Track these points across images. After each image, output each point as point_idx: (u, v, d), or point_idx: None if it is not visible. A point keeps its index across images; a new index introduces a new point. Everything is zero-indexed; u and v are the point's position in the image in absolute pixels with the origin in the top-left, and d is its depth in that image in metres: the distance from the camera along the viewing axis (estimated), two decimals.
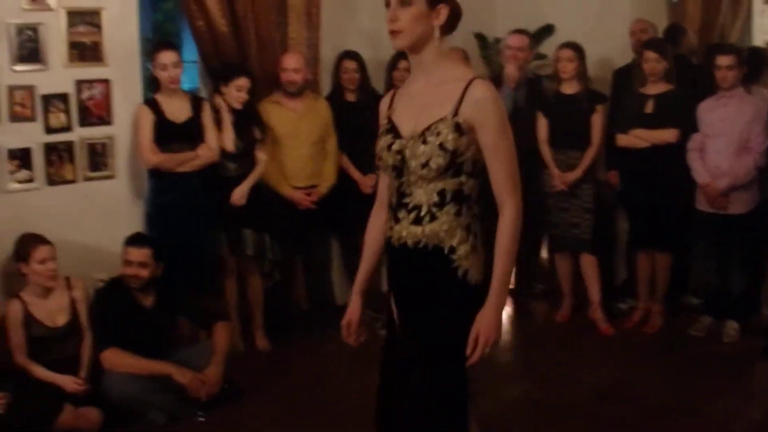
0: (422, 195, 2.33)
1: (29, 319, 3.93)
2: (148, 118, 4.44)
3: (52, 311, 4.01)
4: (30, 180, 4.32)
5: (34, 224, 4.11)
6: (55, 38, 4.33)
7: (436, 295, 2.35)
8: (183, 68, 4.60)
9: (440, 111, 2.30)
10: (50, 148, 4.37)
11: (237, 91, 4.61)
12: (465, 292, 2.34)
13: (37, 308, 3.97)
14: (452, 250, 2.32)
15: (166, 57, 4.44)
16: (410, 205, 2.35)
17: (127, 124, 4.60)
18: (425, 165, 2.29)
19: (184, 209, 4.51)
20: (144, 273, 4.08)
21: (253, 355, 4.78)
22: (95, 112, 4.52)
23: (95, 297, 4.19)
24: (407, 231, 2.35)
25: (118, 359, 3.95)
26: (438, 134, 2.28)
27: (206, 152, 4.53)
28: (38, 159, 4.34)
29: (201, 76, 5.22)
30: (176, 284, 4.25)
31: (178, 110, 4.51)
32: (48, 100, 4.34)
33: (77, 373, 3.94)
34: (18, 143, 4.26)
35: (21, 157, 4.28)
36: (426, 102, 2.33)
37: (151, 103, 4.51)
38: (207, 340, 4.27)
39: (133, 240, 4.18)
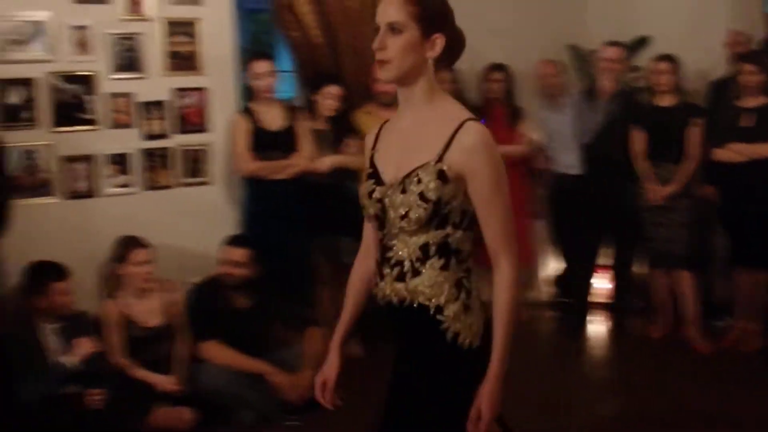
0: (404, 249, 2.05)
1: (126, 320, 4.01)
2: (244, 126, 4.52)
3: (148, 312, 4.10)
4: (128, 185, 4.45)
5: (130, 228, 4.21)
6: (153, 48, 4.47)
7: (426, 360, 2.08)
8: (278, 77, 4.68)
9: (424, 155, 2.00)
10: (147, 154, 4.51)
11: (327, 99, 4.65)
12: (456, 357, 2.03)
13: (133, 309, 4.06)
14: (439, 309, 2.02)
15: (261, 66, 4.52)
16: (393, 260, 2.06)
17: (222, 132, 4.70)
18: (404, 216, 2.00)
19: (278, 216, 4.55)
20: (241, 273, 4.14)
21: (346, 361, 4.73)
22: (192, 120, 4.64)
23: (192, 293, 4.27)
24: (391, 288, 2.07)
25: (216, 351, 4.04)
26: (419, 182, 1.98)
27: (301, 160, 4.57)
28: (136, 164, 4.47)
29: (296, 86, 5.29)
30: (271, 289, 4.28)
31: (273, 119, 4.58)
32: (146, 107, 4.47)
33: (171, 373, 4.00)
34: (117, 149, 4.40)
35: (119, 163, 4.41)
36: (411, 144, 2.04)
37: (247, 112, 4.59)
38: (299, 345, 4.28)
39: (234, 240, 4.26)
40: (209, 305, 4.15)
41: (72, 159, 4.27)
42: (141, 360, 3.97)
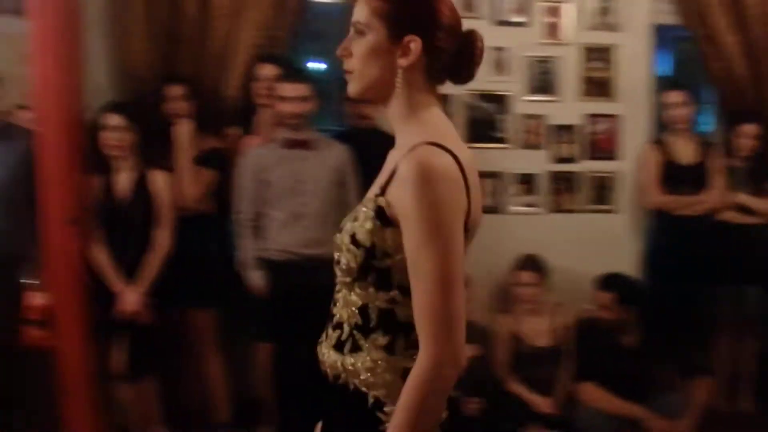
0: (344, 309, 1.61)
1: (515, 336, 4.16)
2: (653, 157, 4.38)
3: (537, 332, 4.19)
4: (533, 205, 4.59)
5: (531, 247, 4.35)
6: (568, 72, 4.55)
7: None
8: (694, 109, 4.44)
9: (373, 188, 1.58)
10: (555, 177, 4.60)
11: (742, 138, 4.30)
12: None
13: (523, 327, 4.19)
14: (378, 404, 1.55)
15: (676, 97, 4.36)
16: (334, 320, 1.64)
17: (632, 161, 4.61)
18: (338, 263, 1.60)
19: (681, 255, 4.33)
20: (609, 315, 4.03)
21: (738, 416, 4.41)
22: (602, 146, 4.63)
23: (578, 327, 4.26)
24: (328, 355, 1.63)
25: (594, 394, 3.97)
26: (355, 219, 1.55)
27: (711, 198, 4.30)
28: (542, 186, 4.59)
29: (715, 120, 4.97)
30: (662, 329, 4.11)
31: (685, 152, 4.37)
32: (557, 130, 4.57)
33: (550, 396, 4.05)
34: (525, 169, 4.56)
35: (526, 182, 4.57)
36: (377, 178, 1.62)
37: (659, 143, 4.44)
38: (684, 392, 4.05)
39: (603, 281, 4.14)
40: (593, 343, 4.10)
41: (481, 175, 4.51)
42: (522, 377, 4.08)
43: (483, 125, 4.50)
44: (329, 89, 4.43)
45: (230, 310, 3.89)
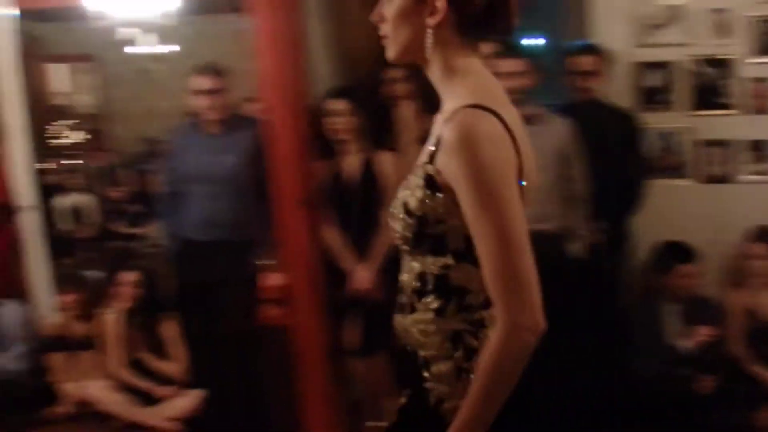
0: (406, 274, 1.62)
1: (750, 312, 3.94)
2: None
3: None
4: (764, 173, 4.29)
5: (763, 218, 4.09)
6: None
7: (406, 416, 1.67)
8: None
9: (423, 156, 1.55)
10: None
11: None
12: (436, 427, 1.54)
13: (758, 302, 3.95)
14: (425, 363, 1.57)
15: None
16: (400, 285, 1.66)
17: None
18: (396, 231, 1.60)
19: None
20: None
21: None
22: None
23: None
24: (396, 320, 1.68)
25: None
26: (407, 189, 1.56)
27: None
28: None
29: None
30: None
31: None
32: None
33: None
34: (755, 135, 4.27)
35: (757, 150, 4.27)
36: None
37: None
38: None
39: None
40: None
41: (708, 143, 4.29)
42: (759, 355, 3.85)
43: (708, 91, 4.25)
44: (549, 64, 4.35)
45: None
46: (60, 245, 4.37)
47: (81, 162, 5.41)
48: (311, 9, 3.96)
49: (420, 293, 1.59)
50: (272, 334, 4.01)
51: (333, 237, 3.75)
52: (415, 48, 1.55)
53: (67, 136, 5.15)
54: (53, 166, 5.03)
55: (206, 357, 3.83)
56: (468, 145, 1.41)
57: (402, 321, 1.64)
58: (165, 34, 4.90)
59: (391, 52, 1.60)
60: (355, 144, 3.73)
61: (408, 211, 1.54)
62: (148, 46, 4.77)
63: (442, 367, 1.56)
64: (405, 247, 1.61)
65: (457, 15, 1.51)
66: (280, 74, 3.57)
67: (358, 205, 3.73)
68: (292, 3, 3.58)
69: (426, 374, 1.58)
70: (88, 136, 5.65)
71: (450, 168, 1.44)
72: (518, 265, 1.42)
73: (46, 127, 5.23)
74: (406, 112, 3.70)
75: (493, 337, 1.44)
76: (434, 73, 1.58)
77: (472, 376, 1.52)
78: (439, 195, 1.49)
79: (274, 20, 3.55)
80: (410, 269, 1.61)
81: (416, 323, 1.59)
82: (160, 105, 5.34)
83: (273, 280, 4.07)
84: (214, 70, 3.65)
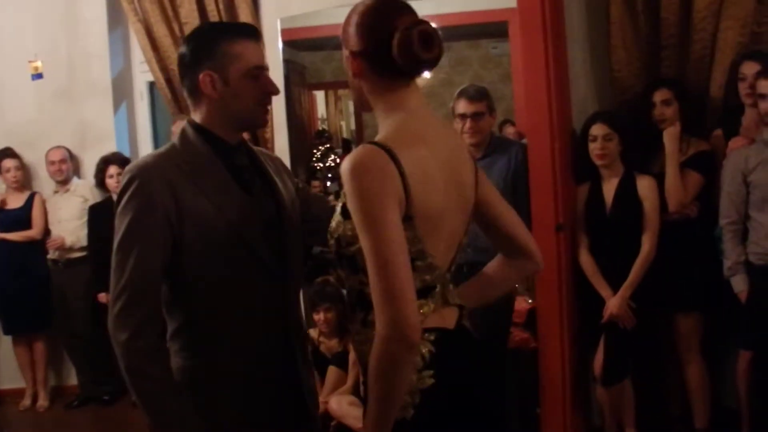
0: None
1: None
2: None
3: None
4: None
5: None
6: None
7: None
8: None
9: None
10: None
11: None
12: None
13: None
14: (364, 371, 1.75)
15: None
16: None
17: None
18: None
19: None
20: None
21: None
22: None
23: None
24: None
25: None
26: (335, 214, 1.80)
27: None
28: None
29: None
30: None
31: None
32: None
33: None
34: None
35: None
36: None
37: None
38: None
39: None
40: None
41: None
42: None
43: None
44: None
45: (714, 315, 3.78)
46: (316, 263, 4.59)
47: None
48: (574, 33, 3.97)
49: (352, 307, 1.79)
50: (520, 357, 4.05)
51: (587, 262, 3.73)
52: (358, 95, 1.83)
53: (334, 159, 5.45)
54: (317, 186, 5.32)
55: None
56: (351, 173, 1.62)
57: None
58: None
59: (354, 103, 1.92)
60: (616, 168, 3.70)
61: (330, 234, 1.77)
62: None
63: None
64: (338, 267, 1.84)
65: (372, 64, 1.75)
66: (540, 98, 3.61)
67: (616, 230, 3.69)
68: (552, 27, 3.62)
69: (365, 379, 1.76)
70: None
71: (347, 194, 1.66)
72: (390, 282, 1.57)
73: (314, 150, 5.55)
74: (672, 135, 3.61)
75: (374, 343, 1.60)
76: (377, 115, 1.80)
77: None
78: (348, 220, 1.69)
79: (533, 44, 3.61)
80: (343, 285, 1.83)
81: (356, 335, 1.80)
82: None
83: (522, 303, 4.11)
84: (477, 94, 3.74)
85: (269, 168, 2.12)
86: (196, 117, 2.01)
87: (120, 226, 1.88)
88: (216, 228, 1.91)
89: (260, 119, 2.05)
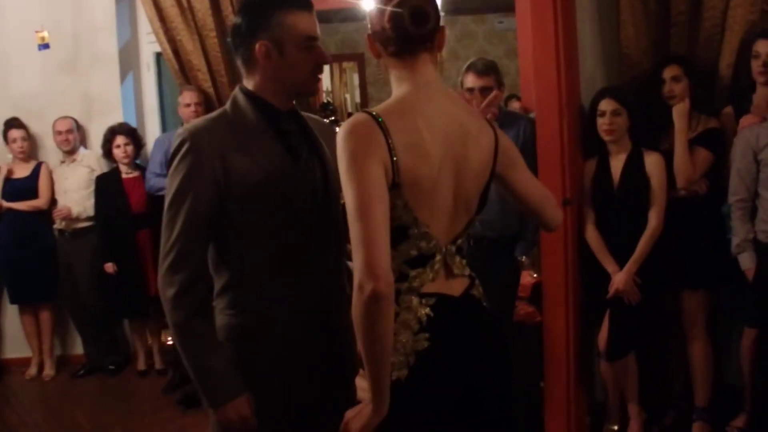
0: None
1: None
2: None
3: None
4: None
5: None
6: None
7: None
8: None
9: None
10: None
11: None
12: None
13: None
14: None
15: None
16: None
17: None
18: None
19: None
20: None
21: None
22: None
23: None
24: None
25: None
26: None
27: None
28: None
29: None
30: None
31: None
32: None
33: None
34: None
35: None
36: None
37: None
38: None
39: None
40: None
41: None
42: None
43: None
44: None
45: (720, 293, 3.80)
46: None
47: None
48: (584, 9, 3.95)
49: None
50: (524, 331, 4.06)
51: (594, 237, 3.74)
52: (387, 74, 1.92)
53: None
54: None
55: None
56: (341, 138, 1.73)
57: None
58: None
59: None
60: (623, 144, 3.70)
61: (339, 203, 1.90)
62: None
63: None
64: None
65: (381, 45, 1.88)
66: (549, 72, 3.61)
67: (622, 206, 3.69)
68: (562, 2, 3.60)
69: None
70: None
71: None
72: (363, 228, 1.64)
73: None
74: (681, 111, 3.60)
75: (353, 293, 1.66)
76: (393, 87, 1.89)
77: (399, 337, 1.79)
78: None
79: (543, 19, 3.60)
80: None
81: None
82: None
83: (527, 278, 4.12)
84: (486, 68, 3.72)
85: (319, 135, 2.18)
86: (249, 84, 2.07)
87: (171, 185, 1.95)
88: (262, 191, 1.98)
89: (312, 87, 2.13)
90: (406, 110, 1.80)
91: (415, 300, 1.83)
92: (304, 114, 2.21)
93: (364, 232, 1.64)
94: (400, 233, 1.79)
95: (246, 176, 1.96)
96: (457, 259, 1.92)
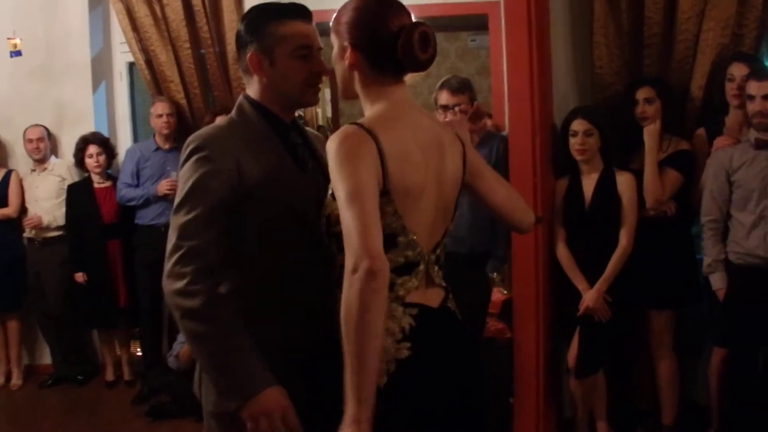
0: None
1: None
2: None
3: None
4: None
5: None
6: None
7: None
8: None
9: None
10: None
11: None
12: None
13: None
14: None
15: None
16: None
17: None
18: None
19: None
20: None
21: None
22: None
23: None
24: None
25: None
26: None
27: None
28: None
29: None
30: None
31: None
32: None
33: None
34: None
35: None
36: None
37: None
38: None
39: None
40: None
41: None
42: None
43: None
44: None
45: (687, 312, 3.85)
46: None
47: None
48: (558, 29, 3.99)
49: (338, 285, 1.75)
50: (494, 347, 4.08)
51: (565, 255, 3.77)
52: (347, 85, 1.92)
53: None
54: None
55: None
56: (334, 145, 1.74)
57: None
58: None
59: (339, 91, 1.97)
60: (596, 164, 3.73)
61: (321, 213, 1.91)
62: None
63: None
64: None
65: (367, 58, 1.85)
66: (523, 91, 3.64)
67: (593, 224, 3.73)
68: (537, 22, 3.63)
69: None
70: None
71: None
72: (356, 217, 1.65)
73: None
74: (652, 132, 3.65)
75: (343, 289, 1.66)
76: (363, 103, 1.91)
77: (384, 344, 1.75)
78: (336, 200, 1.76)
79: (517, 38, 3.64)
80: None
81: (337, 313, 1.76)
82: None
83: (497, 294, 4.14)
84: (460, 86, 3.74)
85: (318, 148, 2.17)
86: (250, 92, 2.08)
87: (184, 185, 1.92)
88: (272, 201, 1.96)
89: (309, 98, 2.09)
90: (392, 122, 1.83)
91: (399, 309, 1.84)
92: (304, 127, 2.22)
93: (358, 217, 1.65)
94: (388, 241, 1.77)
95: (258, 185, 1.94)
96: (436, 268, 1.95)
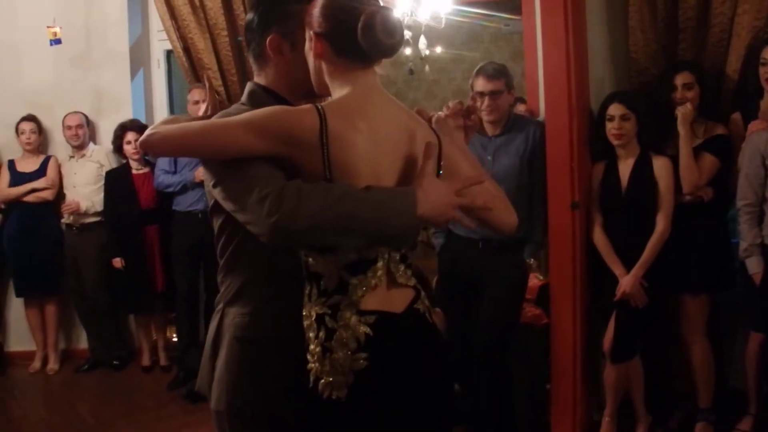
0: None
1: None
2: None
3: None
4: None
5: None
6: None
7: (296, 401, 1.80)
8: None
9: None
10: None
11: None
12: (315, 406, 1.74)
13: None
14: (307, 345, 1.77)
15: None
16: None
17: None
18: None
19: None
20: None
21: None
22: None
23: None
24: None
25: None
26: None
27: None
28: None
29: None
30: None
31: None
32: None
33: None
34: None
35: None
36: None
37: None
38: None
39: None
40: None
41: None
42: None
43: None
44: None
45: (723, 296, 3.84)
46: None
47: None
48: (594, 13, 3.99)
49: (303, 282, 1.79)
50: (531, 333, 4.09)
51: (601, 240, 3.77)
52: (318, 77, 1.85)
53: None
54: None
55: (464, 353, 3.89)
56: (279, 107, 1.73)
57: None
58: (432, 35, 5.08)
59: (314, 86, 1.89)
60: (632, 149, 3.73)
61: None
62: (417, 48, 4.95)
63: (313, 347, 1.75)
64: None
65: (332, 45, 1.78)
66: (559, 76, 3.65)
67: (630, 210, 3.73)
68: (573, 6, 3.64)
69: (308, 356, 1.76)
70: None
71: None
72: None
73: None
74: (688, 117, 3.63)
75: None
76: (332, 93, 1.83)
77: (335, 355, 1.71)
78: None
79: (553, 23, 3.64)
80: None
81: (303, 308, 1.79)
82: (426, 105, 5.55)
83: (533, 280, 4.15)
84: (496, 72, 3.75)
85: None
86: (261, 80, 2.01)
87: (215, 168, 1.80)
88: None
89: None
90: (350, 110, 1.74)
91: (353, 318, 1.72)
92: None
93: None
94: None
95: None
96: (402, 267, 1.83)
